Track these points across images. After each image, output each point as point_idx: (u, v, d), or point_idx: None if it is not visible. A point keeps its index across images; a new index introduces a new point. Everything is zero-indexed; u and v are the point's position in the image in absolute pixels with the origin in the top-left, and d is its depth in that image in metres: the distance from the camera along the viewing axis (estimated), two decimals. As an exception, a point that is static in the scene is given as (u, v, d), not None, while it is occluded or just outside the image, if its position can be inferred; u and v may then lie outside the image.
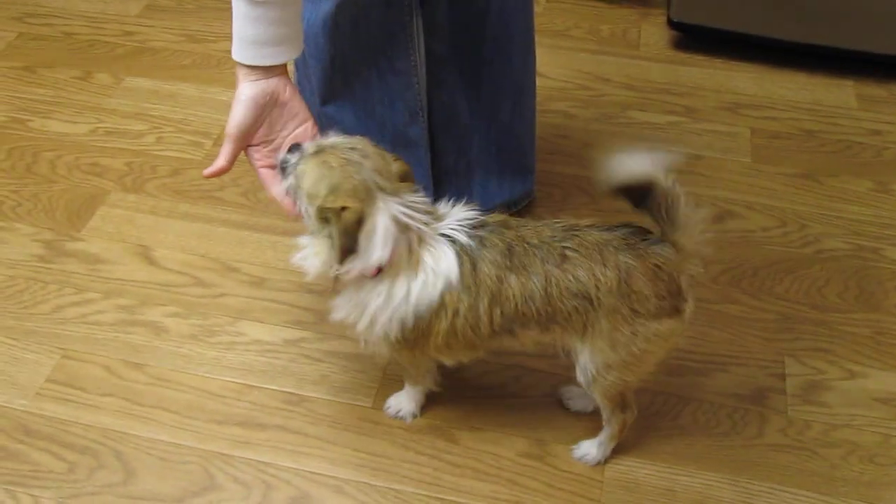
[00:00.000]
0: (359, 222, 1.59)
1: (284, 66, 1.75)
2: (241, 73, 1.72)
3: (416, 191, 1.69)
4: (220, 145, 1.75)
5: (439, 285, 1.69)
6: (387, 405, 2.11)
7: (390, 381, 2.17)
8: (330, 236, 1.61)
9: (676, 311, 1.74)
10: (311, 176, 1.64)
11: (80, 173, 2.78)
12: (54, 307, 2.37)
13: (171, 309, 2.37)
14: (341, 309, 1.80)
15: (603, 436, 2.01)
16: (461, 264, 1.69)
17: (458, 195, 1.79)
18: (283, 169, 1.71)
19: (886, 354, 2.31)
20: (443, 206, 1.78)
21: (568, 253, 1.69)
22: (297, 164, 1.67)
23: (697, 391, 2.20)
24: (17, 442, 2.05)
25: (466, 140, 2.38)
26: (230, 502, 1.95)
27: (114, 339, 2.29)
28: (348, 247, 1.60)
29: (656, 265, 1.69)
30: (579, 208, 2.68)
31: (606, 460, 2.03)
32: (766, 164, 2.89)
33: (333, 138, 1.68)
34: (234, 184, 2.70)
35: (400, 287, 1.69)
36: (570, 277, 1.69)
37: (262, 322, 2.33)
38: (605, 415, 1.97)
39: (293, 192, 1.70)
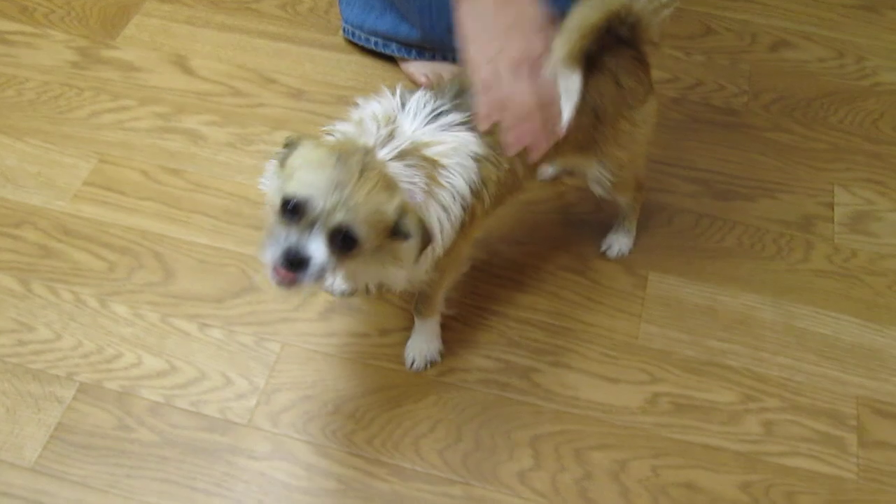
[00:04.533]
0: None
1: None
2: None
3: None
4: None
5: (470, 166, 1.54)
6: (409, 359, 1.88)
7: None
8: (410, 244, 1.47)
9: (652, 87, 1.78)
10: (367, 202, 1.40)
11: (114, -18, 2.70)
12: (90, 113, 2.33)
13: (207, 117, 2.32)
14: (420, 266, 1.59)
15: (627, 224, 2.05)
16: (477, 135, 1.55)
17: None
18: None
19: (939, 188, 2.25)
20: (413, 108, 1.56)
21: None
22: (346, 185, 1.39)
23: (744, 215, 2.16)
24: (57, 241, 2.05)
25: None
26: (269, 304, 1.95)
27: (150, 145, 2.25)
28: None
29: (633, 56, 1.70)
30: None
31: (648, 277, 2.02)
32: (825, -7, 2.76)
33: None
34: (271, -5, 2.62)
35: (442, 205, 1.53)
36: None
37: (300, 132, 2.27)
38: (625, 206, 2.01)
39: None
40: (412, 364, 1.87)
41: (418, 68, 2.40)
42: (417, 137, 1.51)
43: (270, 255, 1.39)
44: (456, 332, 1.91)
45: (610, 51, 1.67)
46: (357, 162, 1.40)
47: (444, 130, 1.54)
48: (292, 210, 1.38)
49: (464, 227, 1.58)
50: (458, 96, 1.58)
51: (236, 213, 2.11)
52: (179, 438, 1.75)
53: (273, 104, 2.36)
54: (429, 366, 1.87)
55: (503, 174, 1.60)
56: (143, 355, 1.87)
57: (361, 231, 1.39)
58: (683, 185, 2.22)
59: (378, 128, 1.51)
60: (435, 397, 1.82)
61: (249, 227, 2.08)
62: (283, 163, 1.47)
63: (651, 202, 2.16)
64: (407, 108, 1.56)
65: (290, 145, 1.48)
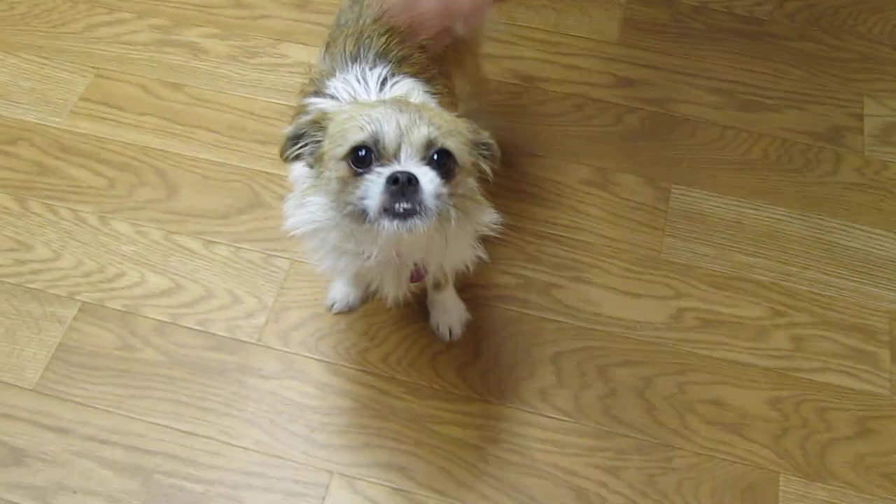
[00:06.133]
0: None
1: None
2: None
3: None
4: None
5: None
6: (444, 333, 1.72)
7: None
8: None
9: None
10: (440, 115, 1.25)
11: None
12: (85, 26, 2.22)
13: (208, 30, 2.21)
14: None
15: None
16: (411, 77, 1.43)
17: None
18: None
19: (973, 97, 2.15)
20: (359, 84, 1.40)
21: None
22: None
23: (770, 127, 2.07)
24: (54, 158, 1.96)
25: None
26: (276, 220, 1.85)
27: (149, 59, 2.15)
28: None
29: None
30: None
31: (671, 190, 1.94)
32: None
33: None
34: None
35: None
36: None
37: (305, 44, 2.17)
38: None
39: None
40: (451, 335, 1.71)
41: None
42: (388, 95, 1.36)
43: (370, 201, 1.15)
44: (472, 248, 1.83)
45: None
46: (397, 100, 1.24)
47: (393, 85, 1.37)
48: (365, 157, 1.17)
49: None
50: (357, 57, 1.42)
51: (240, 128, 2.02)
52: (186, 358, 1.68)
53: (276, 15, 2.25)
54: (464, 328, 1.73)
55: (447, 99, 1.47)
56: (147, 274, 1.79)
57: (452, 143, 1.19)
58: (706, 97, 2.12)
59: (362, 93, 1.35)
60: (451, 314, 1.75)
61: (254, 142, 1.99)
62: (318, 156, 1.26)
63: (673, 114, 2.08)
64: (351, 88, 1.37)
65: (317, 122, 1.26)
